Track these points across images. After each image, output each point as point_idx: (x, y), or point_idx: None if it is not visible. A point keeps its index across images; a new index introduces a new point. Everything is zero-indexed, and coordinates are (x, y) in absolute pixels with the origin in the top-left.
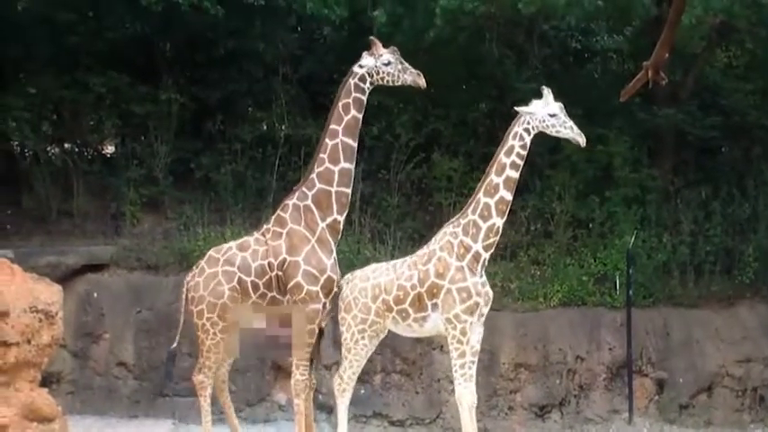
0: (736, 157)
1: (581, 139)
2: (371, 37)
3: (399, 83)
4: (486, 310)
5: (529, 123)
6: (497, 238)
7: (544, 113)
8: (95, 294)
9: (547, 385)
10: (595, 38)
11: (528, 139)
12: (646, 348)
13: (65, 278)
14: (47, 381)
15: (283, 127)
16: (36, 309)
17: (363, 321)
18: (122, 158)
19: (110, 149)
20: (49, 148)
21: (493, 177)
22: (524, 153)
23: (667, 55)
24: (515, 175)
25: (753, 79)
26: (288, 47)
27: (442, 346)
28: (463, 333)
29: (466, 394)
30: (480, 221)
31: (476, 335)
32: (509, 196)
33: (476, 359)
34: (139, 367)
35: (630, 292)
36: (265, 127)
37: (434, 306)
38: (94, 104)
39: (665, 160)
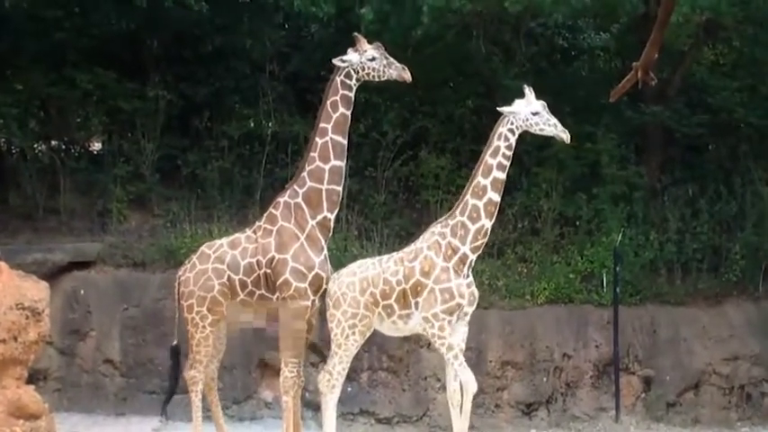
0: (723, 155)
1: (565, 136)
2: (355, 33)
3: (385, 78)
4: (470, 310)
5: (513, 123)
6: (485, 239)
7: (527, 112)
8: (82, 291)
9: (534, 383)
10: (582, 36)
11: (513, 140)
12: (633, 346)
13: (51, 275)
14: (33, 378)
15: (270, 124)
16: (23, 306)
17: (354, 316)
18: (109, 155)
19: (96, 146)
20: (35, 145)
21: (480, 179)
22: (510, 153)
23: (657, 55)
24: (502, 176)
25: (739, 77)
26: (275, 44)
27: (429, 344)
28: (441, 329)
29: (470, 381)
30: (469, 223)
31: (460, 334)
32: (497, 197)
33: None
34: (126, 365)
35: (617, 290)
36: (252, 124)
37: (417, 304)
38: (81, 101)
39: (652, 158)
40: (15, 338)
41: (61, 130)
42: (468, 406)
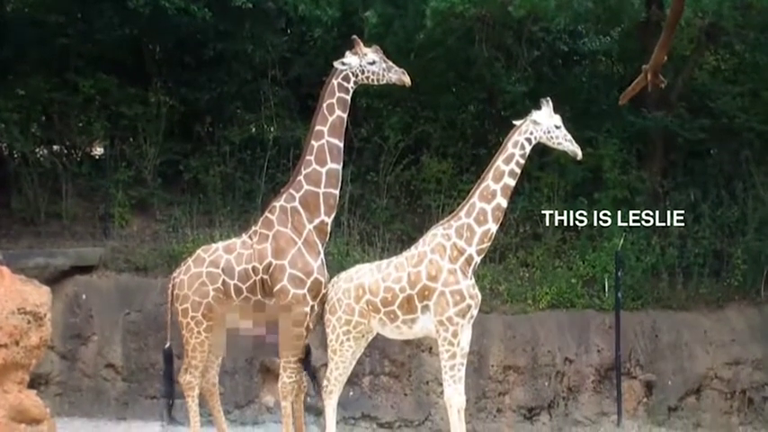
0: (725, 160)
1: (579, 152)
2: (354, 36)
3: (384, 81)
4: (475, 312)
5: (532, 134)
6: (490, 243)
7: (550, 124)
8: (84, 296)
9: (535, 387)
10: (583, 40)
11: (528, 149)
12: (634, 351)
13: (53, 280)
14: (35, 382)
15: (272, 129)
16: (24, 310)
17: (348, 323)
18: (111, 160)
19: (98, 151)
20: (37, 150)
21: (490, 183)
22: (523, 162)
23: (666, 57)
24: (512, 183)
25: (741, 82)
26: (277, 49)
27: (431, 348)
28: (455, 335)
29: (455, 396)
30: (475, 226)
31: (465, 336)
32: (505, 203)
33: (465, 361)
34: (128, 369)
35: (619, 295)
36: (254, 129)
37: (424, 308)
38: (83, 106)
39: (653, 162)
40: (17, 343)
41: (63, 135)
42: (454, 419)
